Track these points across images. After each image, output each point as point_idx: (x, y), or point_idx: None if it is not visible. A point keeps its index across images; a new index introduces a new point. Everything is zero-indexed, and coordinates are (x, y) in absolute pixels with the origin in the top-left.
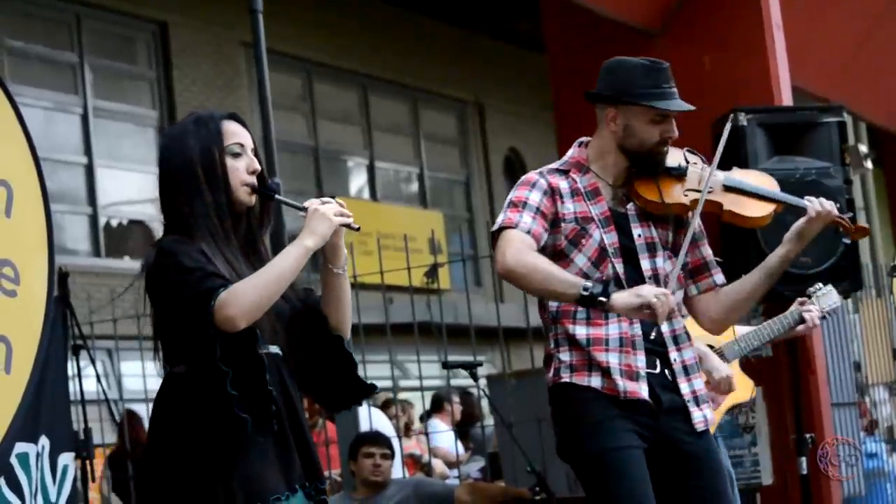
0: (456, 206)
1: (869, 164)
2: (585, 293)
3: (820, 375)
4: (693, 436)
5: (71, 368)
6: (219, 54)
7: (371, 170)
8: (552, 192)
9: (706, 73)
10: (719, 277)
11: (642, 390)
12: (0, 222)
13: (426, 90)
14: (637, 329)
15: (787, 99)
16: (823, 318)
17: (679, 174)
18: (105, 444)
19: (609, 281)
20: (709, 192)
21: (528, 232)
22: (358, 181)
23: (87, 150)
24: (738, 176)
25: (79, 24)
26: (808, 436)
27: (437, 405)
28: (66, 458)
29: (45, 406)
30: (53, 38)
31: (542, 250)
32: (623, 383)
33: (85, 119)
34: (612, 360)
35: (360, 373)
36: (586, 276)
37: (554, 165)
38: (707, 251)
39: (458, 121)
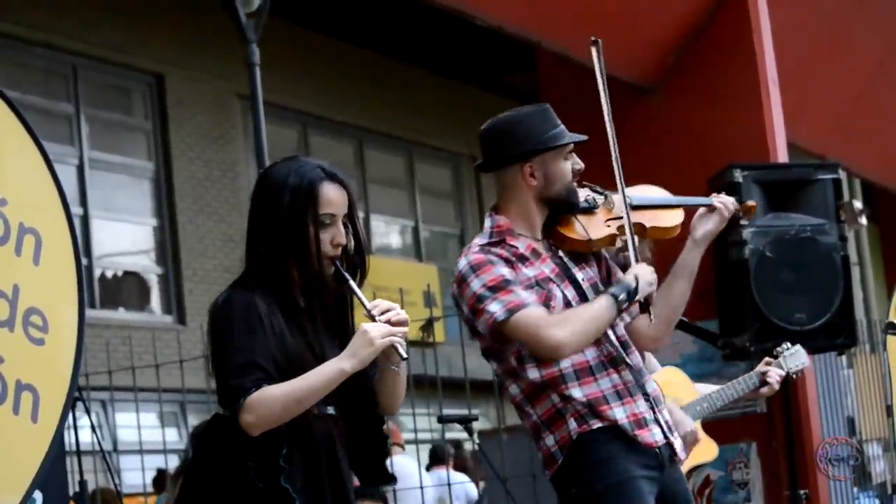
0: (451, 260)
1: (864, 220)
2: (622, 299)
3: (814, 430)
4: (680, 479)
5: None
6: (215, 106)
7: (366, 222)
8: (509, 263)
9: (701, 129)
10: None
11: (656, 437)
12: (28, 270)
13: (421, 143)
14: (628, 376)
15: (782, 155)
16: (790, 377)
17: (590, 208)
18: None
19: (619, 281)
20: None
21: (535, 304)
22: None
23: (83, 201)
24: (639, 193)
25: (75, 76)
26: (802, 492)
27: (440, 458)
28: None
29: None
30: (49, 88)
31: None
32: (640, 435)
33: (80, 170)
34: (620, 415)
35: None
36: None
37: (483, 241)
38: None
39: (453, 174)
